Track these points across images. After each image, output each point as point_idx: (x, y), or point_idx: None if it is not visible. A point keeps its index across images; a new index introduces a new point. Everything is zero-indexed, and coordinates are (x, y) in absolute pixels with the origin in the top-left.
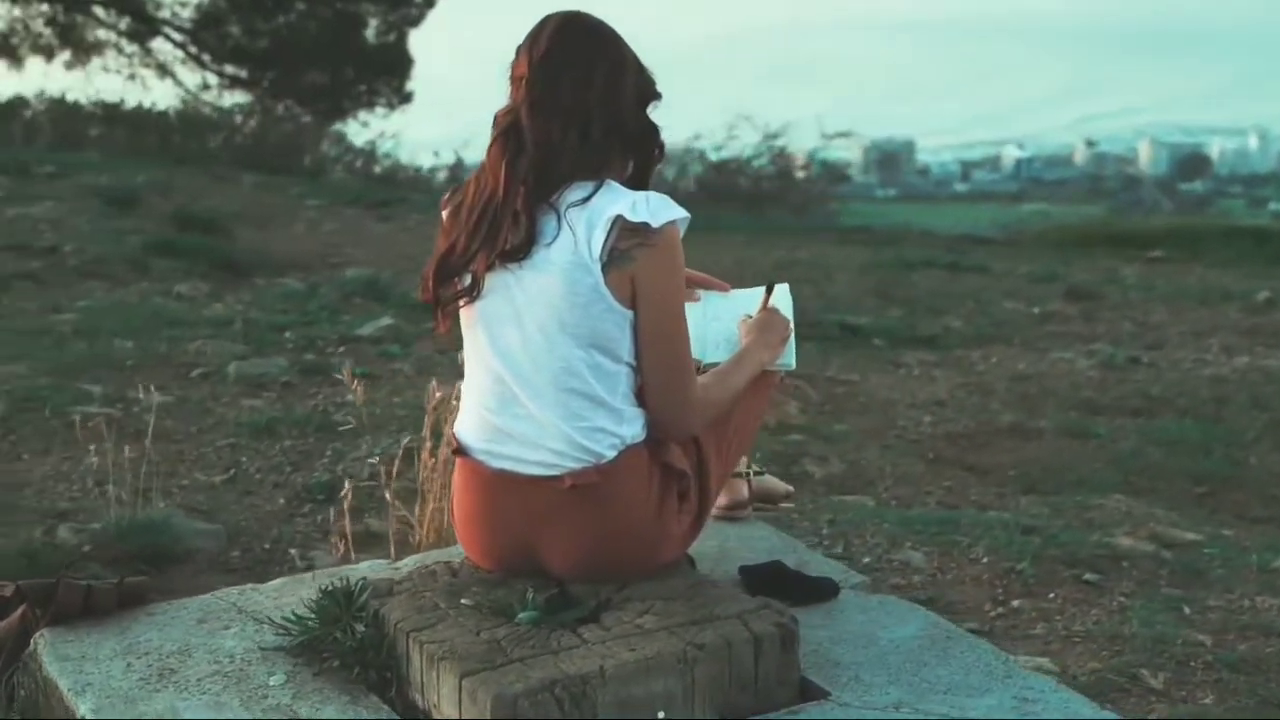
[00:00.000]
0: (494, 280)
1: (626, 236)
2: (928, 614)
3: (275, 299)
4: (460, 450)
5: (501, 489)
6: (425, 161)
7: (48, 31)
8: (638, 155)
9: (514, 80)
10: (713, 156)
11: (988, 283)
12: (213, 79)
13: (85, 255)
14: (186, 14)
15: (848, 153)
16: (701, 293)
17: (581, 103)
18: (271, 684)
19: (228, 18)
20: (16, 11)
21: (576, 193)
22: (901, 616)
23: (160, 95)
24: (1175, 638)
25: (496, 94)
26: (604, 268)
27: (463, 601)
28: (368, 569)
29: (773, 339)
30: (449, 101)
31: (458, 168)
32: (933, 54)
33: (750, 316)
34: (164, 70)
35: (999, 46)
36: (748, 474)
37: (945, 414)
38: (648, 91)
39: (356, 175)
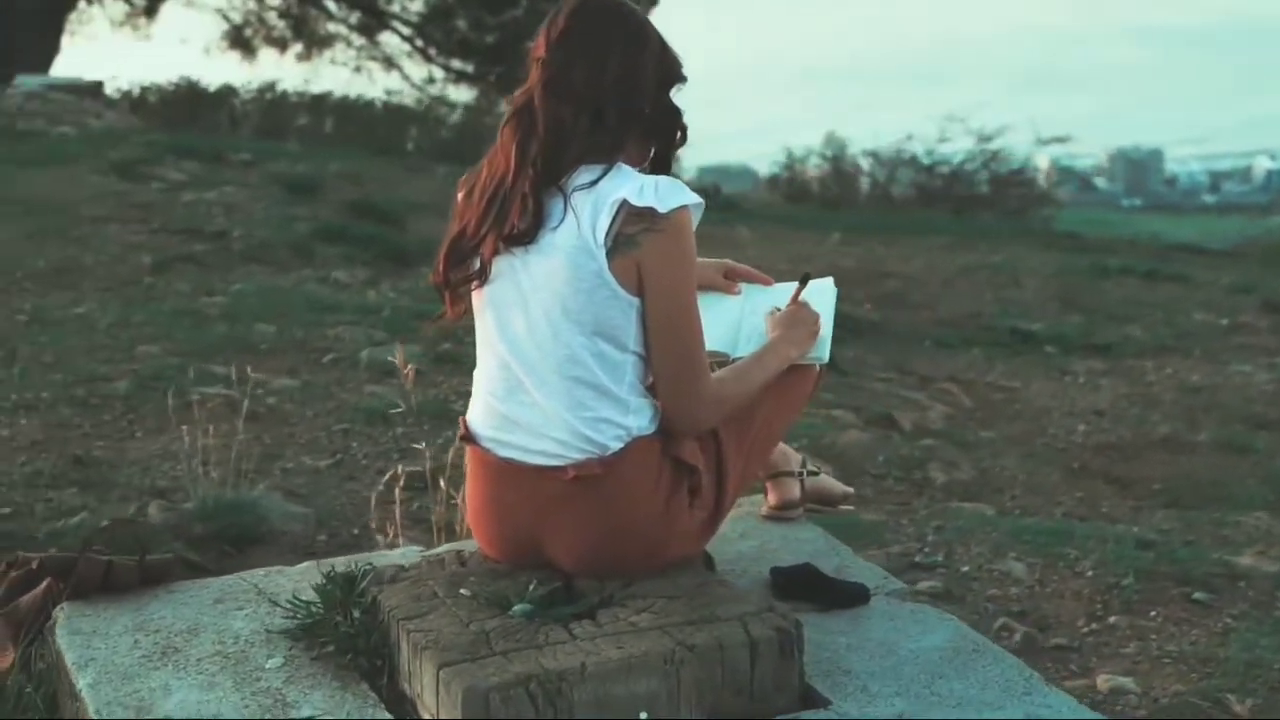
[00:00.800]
0: (501, 264)
1: (633, 221)
2: (959, 625)
3: (430, 288)
4: (469, 437)
5: (507, 478)
6: None
7: (281, 24)
8: (659, 139)
9: (533, 61)
10: (925, 159)
11: (1183, 292)
12: (438, 73)
13: (252, 240)
14: (415, 8)
15: (1090, 160)
16: (743, 286)
17: (595, 85)
18: (268, 666)
19: (456, 12)
20: (251, 4)
21: (585, 176)
22: (929, 626)
23: (386, 89)
24: (1273, 662)
25: (709, 92)
26: (609, 253)
27: (461, 591)
28: (400, 556)
29: (800, 334)
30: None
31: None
32: (1192, 61)
33: (779, 310)
34: (390, 64)
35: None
36: (801, 473)
37: (1101, 424)
38: (671, 74)
39: None
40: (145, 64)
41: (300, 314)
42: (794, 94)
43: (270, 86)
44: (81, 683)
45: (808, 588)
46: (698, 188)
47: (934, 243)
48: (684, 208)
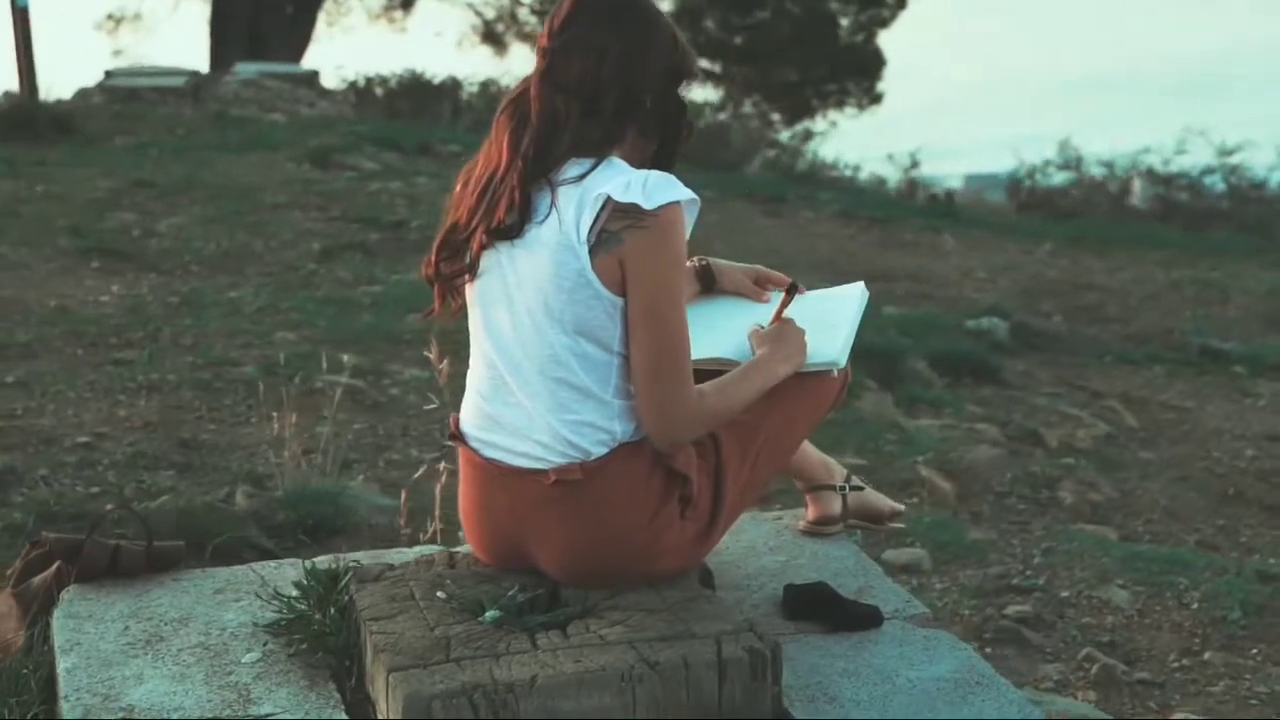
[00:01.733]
0: (490, 259)
1: (617, 218)
2: (971, 656)
3: None
4: (458, 436)
5: (493, 480)
6: (866, 163)
7: (533, 20)
8: (662, 134)
9: (537, 49)
10: (1160, 171)
11: None
12: None
13: (428, 231)
14: (665, 7)
15: None
16: (774, 294)
17: (591, 75)
18: (244, 661)
19: (705, 12)
20: (502, 2)
21: (573, 169)
22: (938, 656)
23: None
24: None
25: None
26: (592, 250)
27: (438, 595)
28: (417, 553)
29: (788, 349)
30: (921, 106)
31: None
32: None
33: (761, 327)
34: None
35: None
36: (843, 488)
37: (1273, 450)
38: (680, 68)
39: (775, 171)
40: (399, 57)
41: None
42: (1064, 104)
43: (494, 81)
44: (61, 666)
45: (818, 607)
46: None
47: (1153, 256)
48: (673, 205)
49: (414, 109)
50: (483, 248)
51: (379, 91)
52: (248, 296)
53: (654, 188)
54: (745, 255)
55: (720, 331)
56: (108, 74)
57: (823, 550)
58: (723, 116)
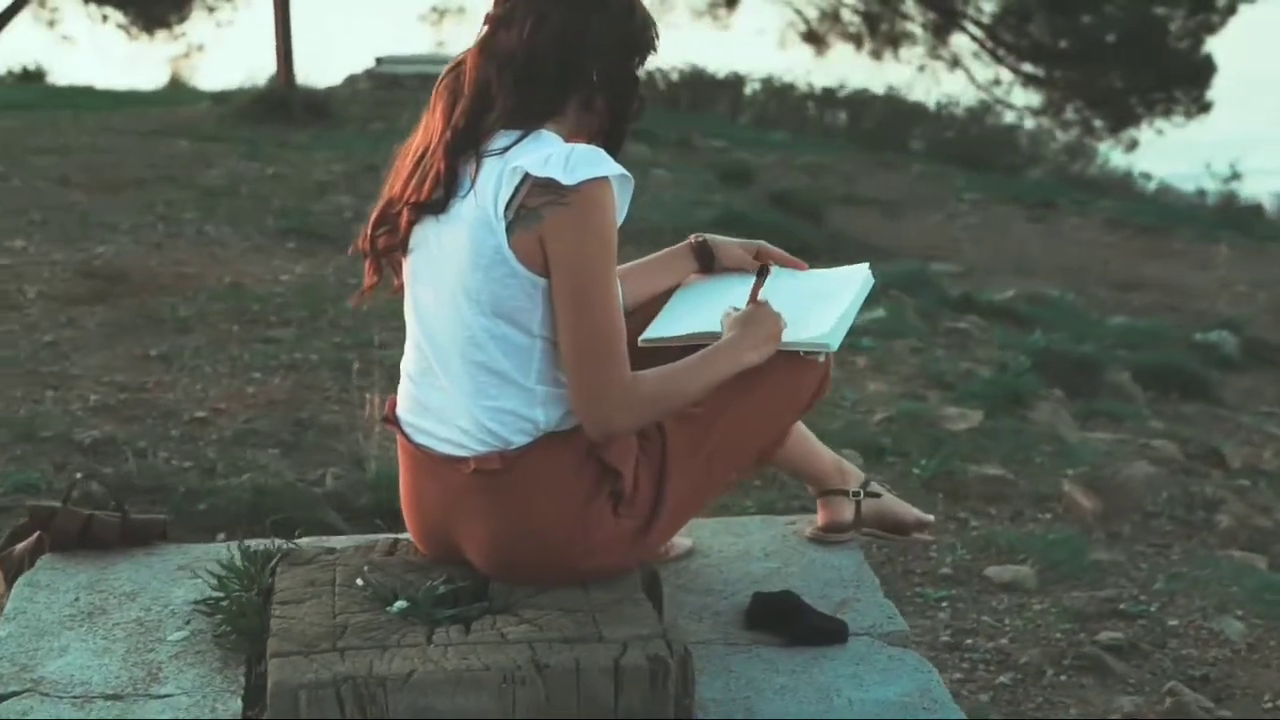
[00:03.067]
0: (418, 234)
1: (538, 193)
2: (932, 680)
3: None
4: (391, 420)
5: (422, 467)
6: (1182, 172)
7: (856, 20)
8: (612, 110)
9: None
10: None
11: None
12: (1006, 75)
13: (642, 224)
14: (990, 9)
15: None
16: (772, 269)
17: (528, 45)
18: (169, 639)
19: (1032, 14)
20: (827, 1)
21: (500, 141)
22: (894, 677)
23: (950, 90)
24: None
25: None
26: (509, 227)
27: (357, 581)
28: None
29: (758, 335)
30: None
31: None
32: None
33: (735, 309)
34: (956, 63)
35: None
36: (857, 494)
37: None
38: (636, 42)
39: (1059, 176)
40: (717, 55)
41: None
42: None
43: (776, 78)
44: (1, 633)
45: (778, 618)
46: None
47: None
48: (597, 181)
49: (694, 102)
50: (411, 223)
51: (661, 85)
52: None
53: (577, 162)
54: (990, 256)
55: (712, 309)
56: (378, 60)
57: (822, 558)
58: (1043, 123)
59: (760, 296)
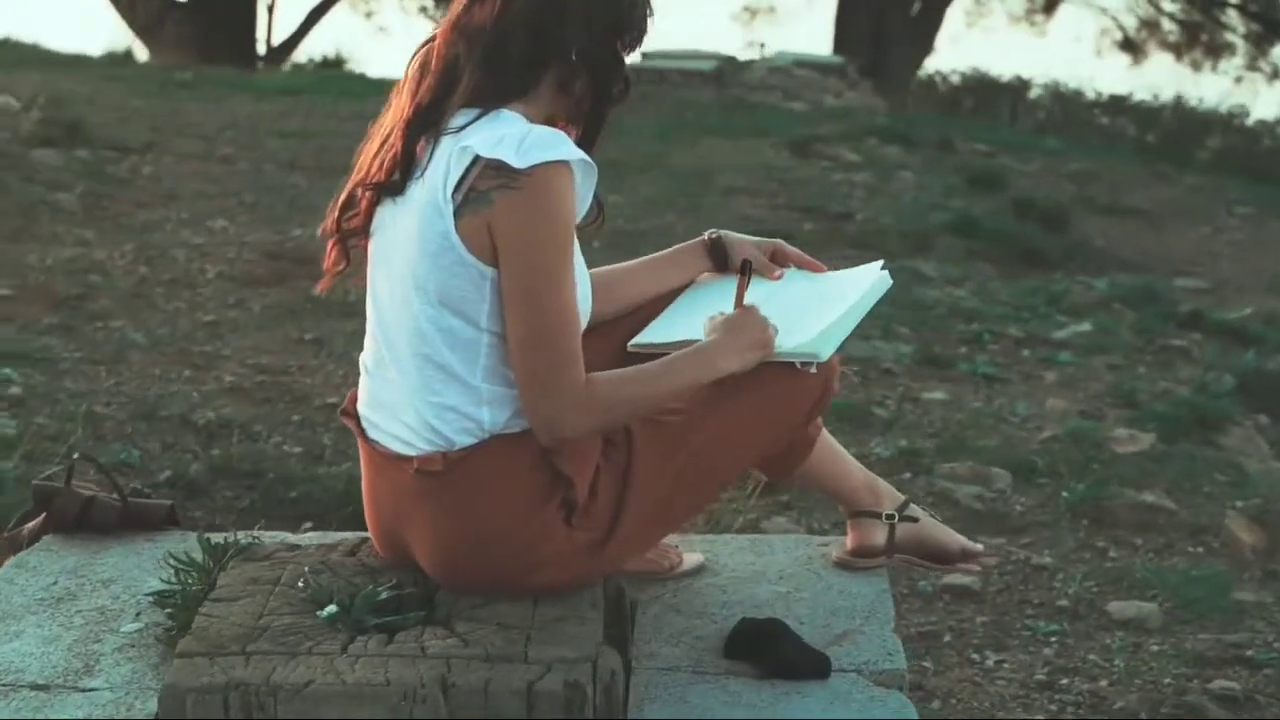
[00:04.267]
0: (379, 217)
1: (488, 176)
2: None
3: (1022, 292)
4: (349, 414)
5: (375, 464)
6: None
7: (1176, 30)
8: (591, 92)
9: None
10: None
11: None
12: None
13: (870, 225)
14: None
15: None
16: (788, 271)
17: (499, 21)
18: (122, 630)
19: None
20: (1149, 9)
21: (458, 120)
22: (865, 714)
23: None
24: None
25: None
26: (458, 211)
27: (299, 583)
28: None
29: (741, 342)
30: None
31: None
32: None
33: (723, 313)
34: (1276, 75)
35: None
36: (891, 517)
37: None
38: (622, 20)
39: None
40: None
41: None
42: None
43: (1060, 83)
44: None
45: (757, 647)
46: None
47: None
48: (551, 165)
49: (977, 106)
50: (371, 205)
51: (941, 87)
52: None
53: (532, 145)
54: (1246, 273)
55: (710, 314)
56: (645, 56)
57: (841, 585)
58: None
59: (755, 299)
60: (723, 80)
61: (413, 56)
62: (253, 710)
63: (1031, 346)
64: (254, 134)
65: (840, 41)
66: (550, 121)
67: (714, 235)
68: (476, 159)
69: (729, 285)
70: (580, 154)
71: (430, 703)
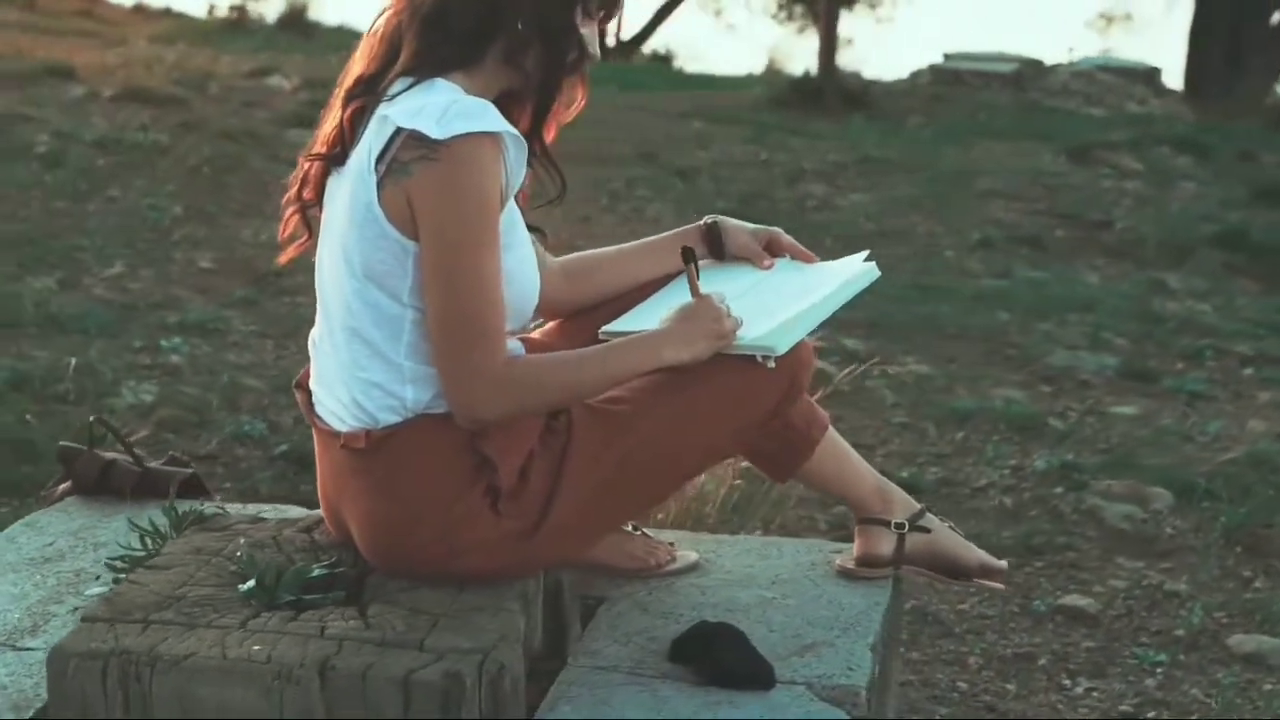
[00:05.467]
0: (328, 188)
1: (411, 147)
2: None
3: (1269, 309)
4: (300, 386)
5: (319, 439)
6: None
7: None
8: (543, 66)
9: None
10: None
11: None
12: None
13: (1127, 234)
14: None
15: None
16: (780, 261)
17: None
18: (86, 593)
19: None
20: None
21: (393, 89)
22: None
23: None
24: None
25: None
26: (381, 181)
27: (237, 554)
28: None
29: (689, 333)
30: None
31: None
32: None
33: (679, 307)
34: None
35: None
36: (900, 526)
37: None
38: None
39: None
40: None
41: (1055, 311)
42: None
43: None
44: None
45: (700, 653)
46: None
47: None
48: (473, 137)
49: None
50: (320, 175)
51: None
52: None
53: (455, 115)
54: None
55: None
56: (946, 57)
57: (833, 594)
58: None
59: (740, 288)
60: (1022, 83)
61: (370, 26)
62: (130, 681)
63: (1257, 365)
64: None
65: (1194, 53)
66: (491, 94)
67: (710, 221)
68: (399, 130)
69: (723, 273)
70: (505, 126)
71: (303, 685)
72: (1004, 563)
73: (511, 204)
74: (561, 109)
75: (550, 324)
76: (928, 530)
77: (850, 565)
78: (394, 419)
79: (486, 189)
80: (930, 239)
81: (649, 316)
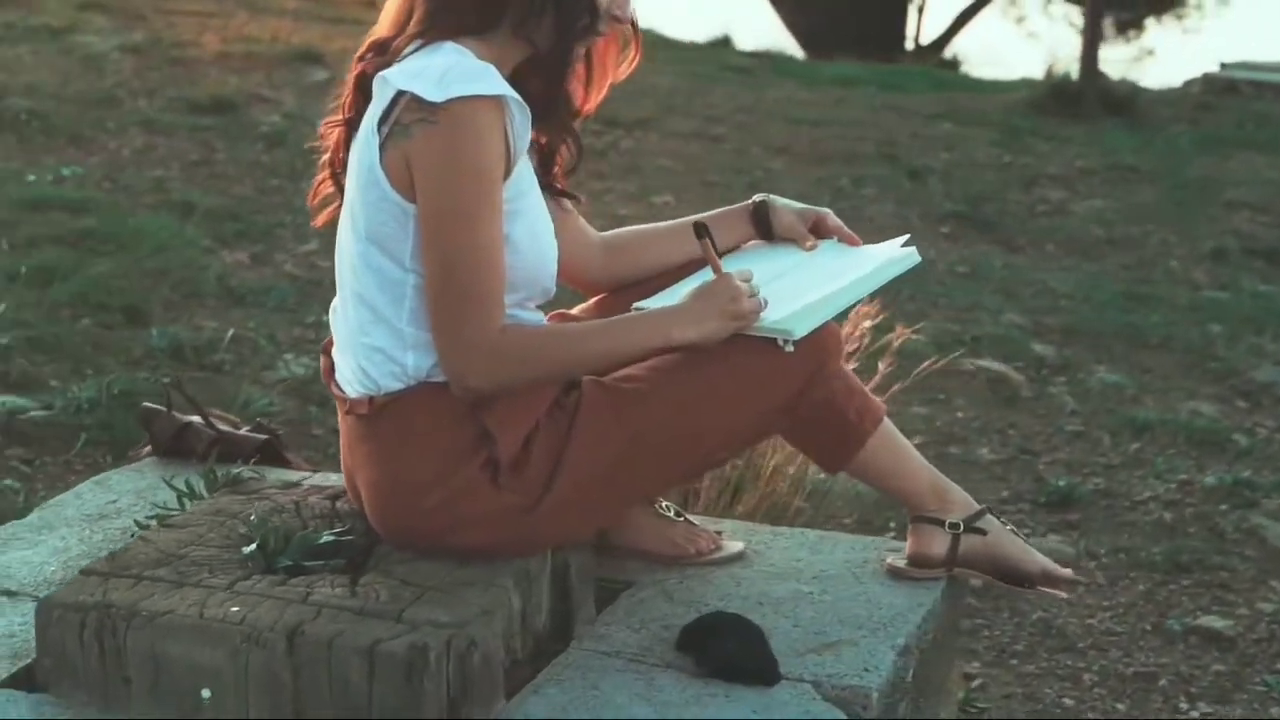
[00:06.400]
0: (351, 153)
1: (411, 109)
2: None
3: None
4: (325, 351)
5: (337, 405)
6: None
7: None
8: (556, 24)
9: None
10: None
11: None
12: None
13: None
14: None
15: None
16: (825, 243)
17: None
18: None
19: None
20: None
21: (405, 52)
22: None
23: None
24: None
25: None
26: (385, 144)
27: (251, 518)
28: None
29: (703, 311)
30: None
31: None
32: None
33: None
34: None
35: None
36: (955, 526)
37: None
38: None
39: None
40: None
41: (1272, 325)
42: None
43: None
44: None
45: (706, 644)
46: None
47: None
48: (469, 100)
49: None
50: (344, 140)
51: None
52: (1006, 269)
53: (454, 78)
54: None
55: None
56: (1223, 66)
57: (874, 593)
58: None
59: (779, 269)
60: None
61: None
62: (105, 634)
63: None
64: (764, 117)
65: None
66: (506, 63)
67: (759, 200)
68: (400, 92)
69: (767, 253)
70: (506, 89)
71: (270, 648)
72: (1069, 571)
73: (524, 171)
74: (611, 68)
75: (590, 301)
76: (984, 532)
77: (901, 565)
78: (396, 385)
79: (483, 153)
80: (1161, 248)
81: (682, 293)
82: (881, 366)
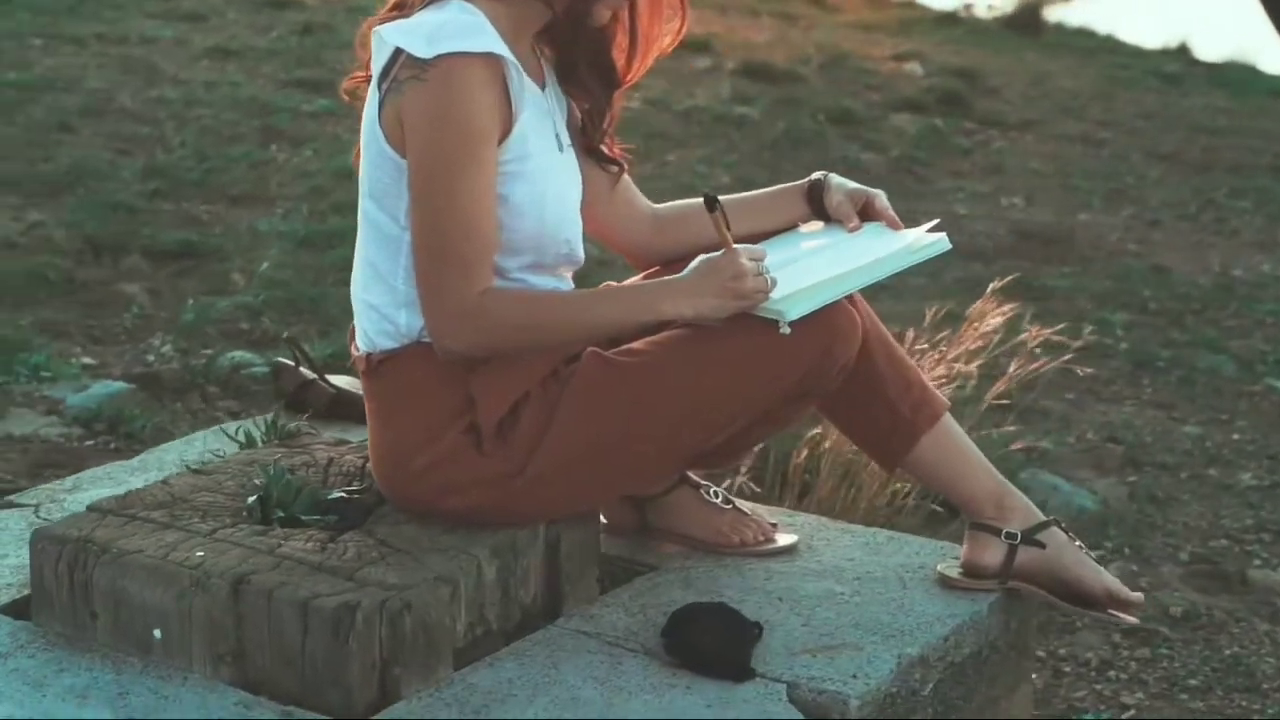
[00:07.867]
0: None
1: (408, 65)
2: None
3: None
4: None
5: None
6: None
7: None
8: None
9: None
10: None
11: None
12: None
13: None
14: None
15: None
16: (868, 225)
17: None
18: None
19: None
20: None
21: (419, 9)
22: None
23: None
24: None
25: None
26: (382, 100)
27: (269, 470)
28: None
29: (704, 287)
30: None
31: None
32: None
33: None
34: None
35: None
36: (1012, 536)
37: None
38: None
39: None
40: None
41: None
42: None
43: None
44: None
45: (684, 634)
46: None
47: None
48: (460, 56)
49: None
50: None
51: None
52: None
53: (446, 35)
54: None
55: (791, 264)
56: None
57: (912, 601)
58: None
59: (814, 247)
60: None
61: None
62: (76, 568)
63: None
64: (1162, 124)
65: None
66: (524, 25)
67: (817, 178)
68: (398, 48)
69: (811, 234)
70: (499, 48)
71: (214, 594)
72: (1139, 595)
73: (530, 133)
74: (655, 40)
75: (639, 275)
76: (1043, 545)
77: (953, 574)
78: (390, 344)
79: (470, 111)
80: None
81: None
82: None
